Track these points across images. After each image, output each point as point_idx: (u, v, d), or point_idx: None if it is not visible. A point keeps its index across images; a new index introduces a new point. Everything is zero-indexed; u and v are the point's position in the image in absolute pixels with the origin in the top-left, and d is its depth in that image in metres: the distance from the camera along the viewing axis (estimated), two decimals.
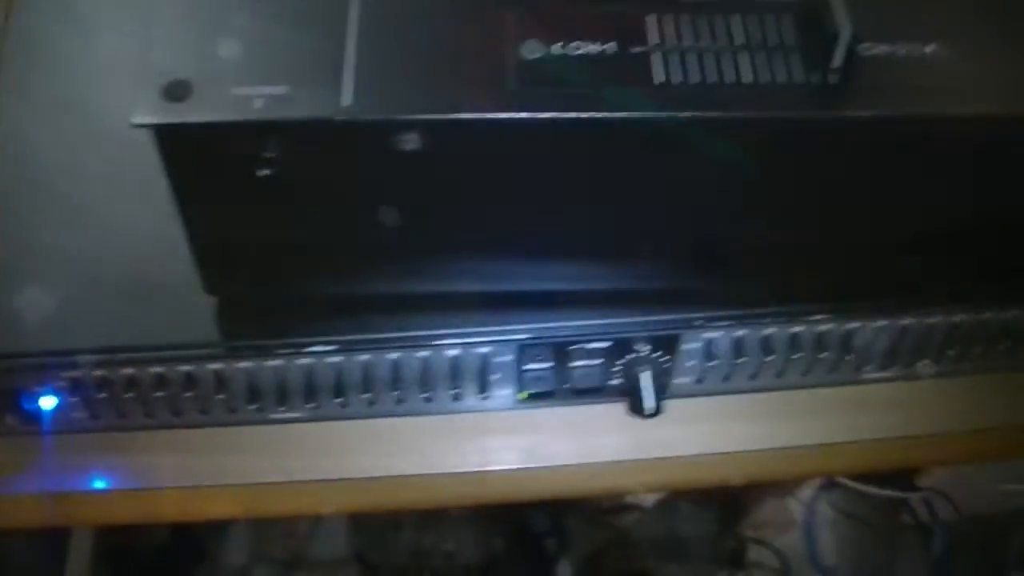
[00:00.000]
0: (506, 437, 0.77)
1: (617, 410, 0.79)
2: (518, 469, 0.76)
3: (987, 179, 0.67)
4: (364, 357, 0.72)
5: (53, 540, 1.24)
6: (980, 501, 1.37)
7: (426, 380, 0.74)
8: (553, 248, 0.72)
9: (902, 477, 1.41)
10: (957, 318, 0.77)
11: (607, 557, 1.36)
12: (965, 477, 1.38)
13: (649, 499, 1.38)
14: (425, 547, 1.36)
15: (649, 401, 0.75)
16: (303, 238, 0.68)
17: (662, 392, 0.78)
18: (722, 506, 1.45)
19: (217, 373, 0.72)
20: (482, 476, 0.76)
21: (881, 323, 0.76)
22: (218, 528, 1.40)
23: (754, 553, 1.56)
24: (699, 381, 0.79)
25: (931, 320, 0.77)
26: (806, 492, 1.52)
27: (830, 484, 1.50)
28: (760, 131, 0.64)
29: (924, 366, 0.79)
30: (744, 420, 0.80)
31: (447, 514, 1.35)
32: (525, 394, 0.77)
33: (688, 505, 1.41)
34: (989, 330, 0.77)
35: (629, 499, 1.42)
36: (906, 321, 0.77)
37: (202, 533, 1.40)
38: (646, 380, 0.75)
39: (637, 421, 0.77)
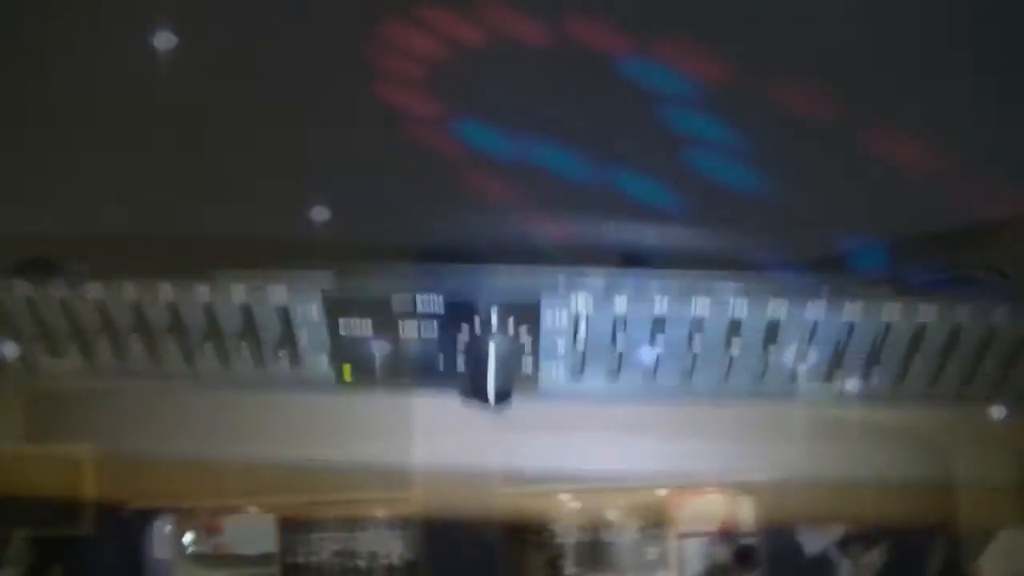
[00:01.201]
0: (312, 427, 0.60)
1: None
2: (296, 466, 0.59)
3: None
4: (132, 295, 0.57)
5: None
6: None
7: (213, 331, 0.58)
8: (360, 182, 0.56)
9: None
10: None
11: (534, 564, 1.23)
12: None
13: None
14: (350, 546, 1.28)
15: (492, 384, 0.56)
16: None
17: (526, 386, 0.59)
18: (649, 512, 1.28)
19: None
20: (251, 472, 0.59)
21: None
22: (142, 522, 1.34)
23: None
24: (576, 374, 0.60)
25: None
26: None
27: None
28: None
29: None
30: (607, 431, 0.60)
31: (373, 515, 1.27)
32: (348, 371, 0.59)
33: (615, 510, 1.25)
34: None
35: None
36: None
37: (126, 526, 1.33)
38: (492, 356, 0.57)
39: (483, 422, 0.58)
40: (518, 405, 0.59)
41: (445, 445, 0.59)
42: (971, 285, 0.55)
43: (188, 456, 0.60)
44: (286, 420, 0.61)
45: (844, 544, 1.13)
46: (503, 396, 0.57)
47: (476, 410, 0.57)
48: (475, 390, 0.57)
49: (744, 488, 0.60)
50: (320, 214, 0.54)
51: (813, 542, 1.11)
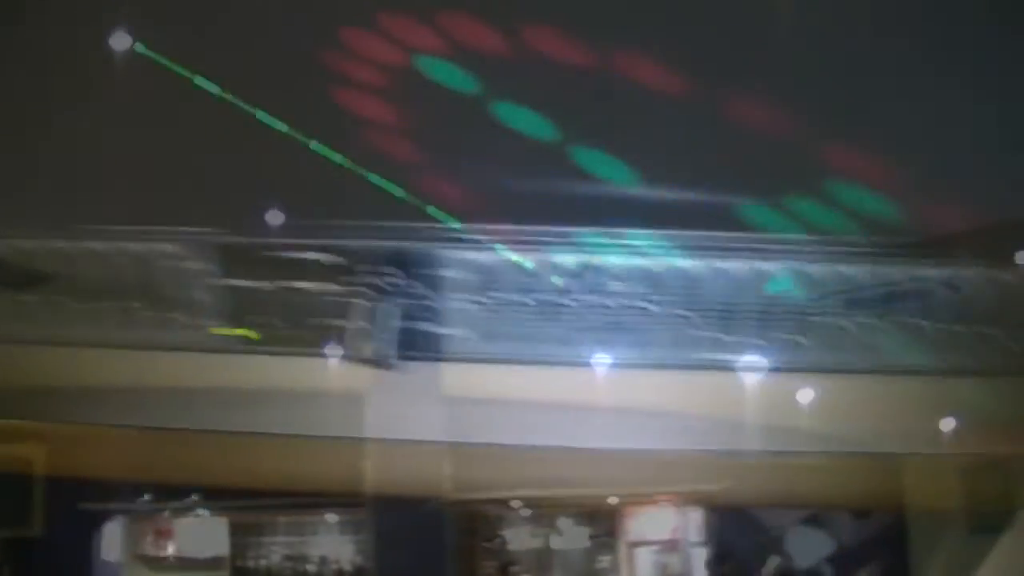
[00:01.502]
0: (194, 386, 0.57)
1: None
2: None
3: None
4: (27, 244, 0.56)
5: None
6: None
7: (110, 288, 0.56)
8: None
9: None
10: None
11: (486, 570, 1.21)
12: None
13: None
14: (301, 551, 1.30)
15: (375, 342, 0.52)
16: None
17: (427, 348, 0.55)
18: (600, 520, 1.24)
19: None
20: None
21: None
22: (93, 524, 1.36)
23: None
24: (487, 337, 0.55)
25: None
26: None
27: None
28: None
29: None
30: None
31: (323, 520, 1.29)
32: (243, 331, 0.56)
33: (566, 518, 1.23)
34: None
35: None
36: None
37: (77, 529, 1.36)
38: (382, 312, 0.53)
39: (372, 387, 0.54)
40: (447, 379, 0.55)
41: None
42: (923, 298, 0.50)
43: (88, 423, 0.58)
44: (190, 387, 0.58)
45: (834, 560, 1.04)
46: (392, 356, 0.52)
47: (366, 370, 0.53)
48: (363, 349, 0.53)
49: (696, 498, 0.54)
50: (275, 217, 0.52)
51: (804, 557, 1.02)
